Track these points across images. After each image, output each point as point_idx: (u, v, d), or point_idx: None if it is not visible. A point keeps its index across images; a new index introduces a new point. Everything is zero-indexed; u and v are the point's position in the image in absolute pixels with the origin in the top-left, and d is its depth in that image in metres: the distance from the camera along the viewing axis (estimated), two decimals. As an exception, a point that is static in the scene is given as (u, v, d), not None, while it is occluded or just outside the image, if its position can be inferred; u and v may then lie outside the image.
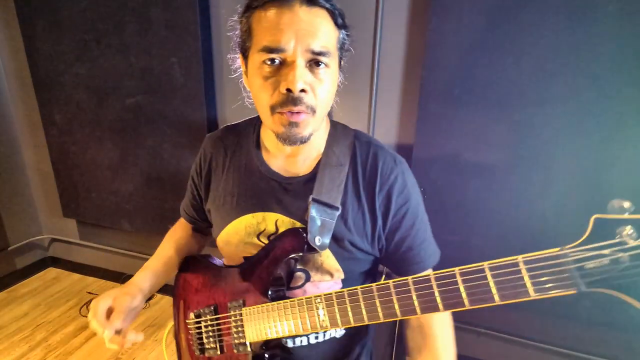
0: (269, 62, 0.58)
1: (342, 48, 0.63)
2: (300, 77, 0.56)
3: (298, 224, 0.67)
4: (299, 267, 0.69)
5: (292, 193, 0.69)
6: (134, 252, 2.19)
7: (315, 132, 0.65)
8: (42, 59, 1.89)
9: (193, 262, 0.83)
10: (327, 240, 0.64)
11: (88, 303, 2.09)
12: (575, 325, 1.39)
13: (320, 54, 0.57)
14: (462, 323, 1.54)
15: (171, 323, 0.86)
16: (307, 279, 0.69)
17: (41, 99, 1.98)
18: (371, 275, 0.77)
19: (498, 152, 1.24)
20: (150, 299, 2.11)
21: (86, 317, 1.99)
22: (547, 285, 0.38)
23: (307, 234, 0.63)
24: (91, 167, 1.99)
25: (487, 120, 1.22)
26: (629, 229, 0.33)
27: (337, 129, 0.73)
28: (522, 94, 1.16)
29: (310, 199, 0.65)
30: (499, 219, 1.28)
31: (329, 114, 0.73)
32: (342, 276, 0.69)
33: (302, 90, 0.57)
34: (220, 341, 0.71)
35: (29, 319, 1.96)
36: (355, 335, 0.76)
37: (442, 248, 0.79)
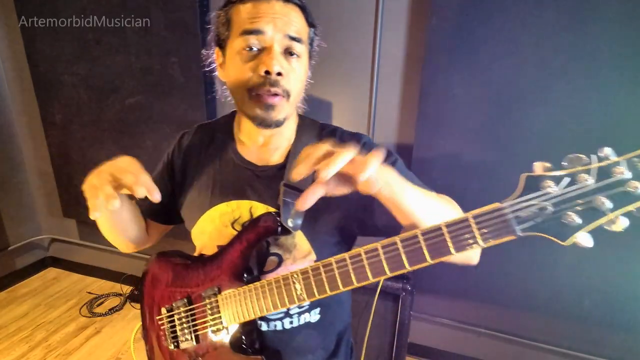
0: (247, 49, 0.63)
1: (311, 45, 0.70)
2: (277, 61, 0.62)
3: (272, 210, 0.70)
4: (271, 251, 0.71)
5: (266, 181, 0.73)
6: (134, 252, 2.19)
7: (289, 118, 0.70)
8: (42, 59, 1.89)
9: (161, 259, 0.81)
10: (299, 221, 0.67)
11: (88, 303, 2.09)
12: (575, 325, 1.39)
13: (295, 39, 0.64)
14: (462, 323, 1.55)
15: (139, 324, 0.83)
16: (280, 262, 0.71)
17: (41, 99, 1.98)
18: None
19: (498, 152, 1.24)
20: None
21: (86, 317, 1.99)
22: (491, 234, 0.45)
23: (279, 216, 0.66)
24: (91, 167, 1.95)
25: (487, 120, 1.22)
26: (550, 183, 0.41)
27: (305, 121, 0.78)
28: (522, 94, 1.16)
29: (281, 184, 0.68)
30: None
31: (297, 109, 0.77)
32: (315, 258, 0.71)
33: (279, 74, 0.62)
34: (196, 331, 0.71)
35: (29, 319, 1.96)
36: (330, 323, 0.77)
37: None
